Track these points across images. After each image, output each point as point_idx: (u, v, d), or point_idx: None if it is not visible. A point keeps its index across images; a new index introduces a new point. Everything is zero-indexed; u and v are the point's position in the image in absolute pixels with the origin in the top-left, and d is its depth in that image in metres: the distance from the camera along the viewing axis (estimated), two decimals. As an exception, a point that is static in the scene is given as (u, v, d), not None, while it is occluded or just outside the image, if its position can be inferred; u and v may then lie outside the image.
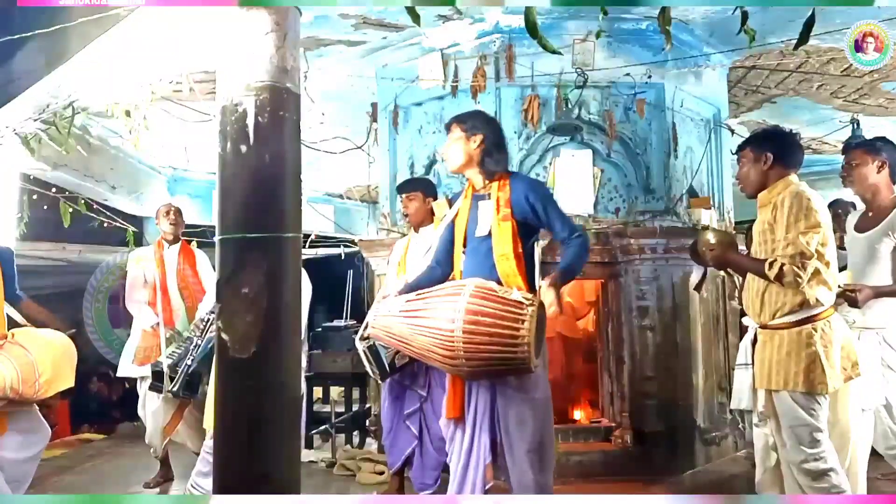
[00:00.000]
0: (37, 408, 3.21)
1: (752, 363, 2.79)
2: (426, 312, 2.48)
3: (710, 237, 2.96)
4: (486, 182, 2.73)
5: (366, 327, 3.32)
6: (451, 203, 2.90)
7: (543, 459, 2.57)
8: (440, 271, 2.84)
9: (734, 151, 3.01)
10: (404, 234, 4.38)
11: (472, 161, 2.71)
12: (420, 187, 3.85)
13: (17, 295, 3.26)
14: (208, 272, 4.32)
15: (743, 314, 4.99)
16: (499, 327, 2.35)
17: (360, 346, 3.18)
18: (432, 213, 3.85)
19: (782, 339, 2.65)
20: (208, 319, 3.03)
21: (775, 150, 2.78)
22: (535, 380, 2.54)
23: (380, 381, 3.53)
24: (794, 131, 2.90)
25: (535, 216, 2.65)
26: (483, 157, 2.70)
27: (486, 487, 2.61)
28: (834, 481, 2.55)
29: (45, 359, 2.95)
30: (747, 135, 3.01)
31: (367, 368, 3.31)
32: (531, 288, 2.59)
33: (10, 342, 2.95)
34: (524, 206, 2.63)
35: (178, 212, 4.47)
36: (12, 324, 3.21)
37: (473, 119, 2.79)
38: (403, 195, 3.85)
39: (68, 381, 3.03)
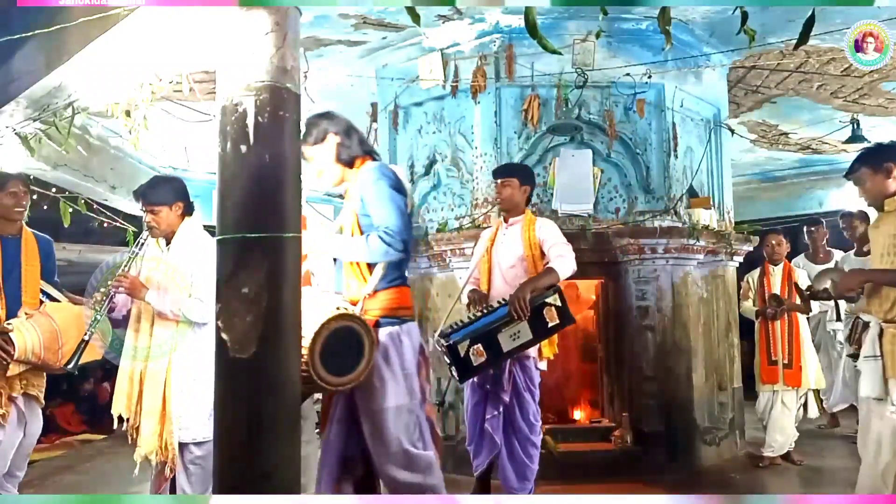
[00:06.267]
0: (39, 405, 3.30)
1: (881, 355, 2.89)
2: None
3: (834, 276, 3.20)
4: None
5: (445, 324, 3.36)
6: None
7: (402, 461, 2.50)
8: None
9: None
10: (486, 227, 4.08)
11: None
12: (516, 173, 3.63)
13: (55, 282, 3.43)
14: None
15: (739, 315, 5.04)
16: None
17: (440, 346, 3.18)
18: (526, 203, 3.64)
19: None
20: (111, 295, 3.07)
21: None
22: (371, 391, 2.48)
23: (459, 383, 3.49)
24: None
25: None
26: None
27: None
28: None
29: (70, 330, 3.12)
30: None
31: (448, 370, 3.25)
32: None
33: (39, 312, 3.15)
34: None
35: None
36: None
37: None
38: (498, 180, 3.60)
39: (94, 354, 3.16)
